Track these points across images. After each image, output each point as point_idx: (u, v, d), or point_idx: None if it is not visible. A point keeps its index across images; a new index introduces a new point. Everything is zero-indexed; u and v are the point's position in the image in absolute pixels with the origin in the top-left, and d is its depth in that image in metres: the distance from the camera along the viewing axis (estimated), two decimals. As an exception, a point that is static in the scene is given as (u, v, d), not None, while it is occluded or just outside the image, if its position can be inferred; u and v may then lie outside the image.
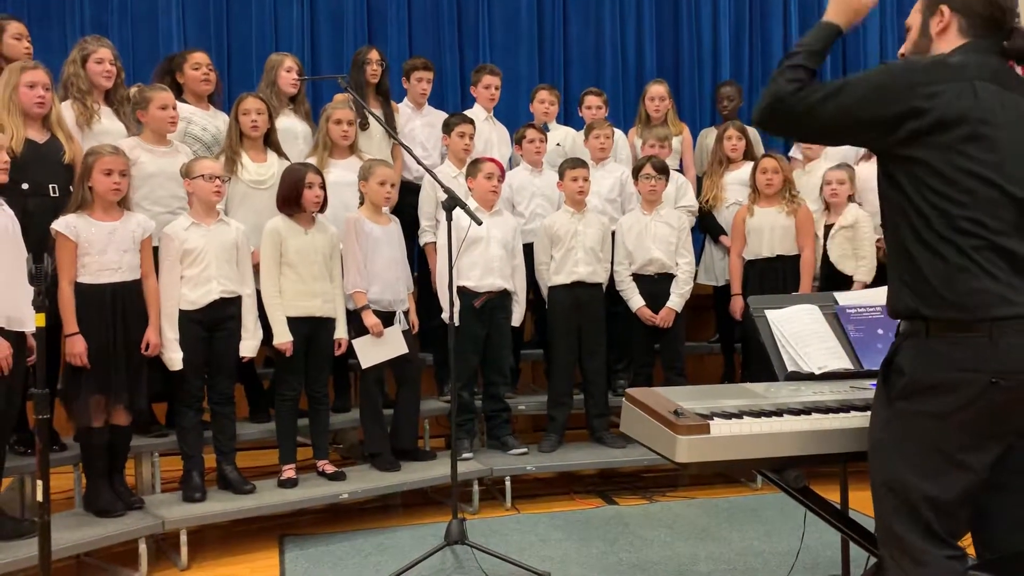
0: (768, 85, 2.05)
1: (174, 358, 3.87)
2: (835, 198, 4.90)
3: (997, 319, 1.89)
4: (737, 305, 5.05)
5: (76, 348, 3.59)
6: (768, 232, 4.95)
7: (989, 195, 1.92)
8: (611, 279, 4.99)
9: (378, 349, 4.33)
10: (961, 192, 1.92)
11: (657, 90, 5.66)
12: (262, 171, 4.44)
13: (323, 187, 4.20)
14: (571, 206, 4.87)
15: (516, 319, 4.80)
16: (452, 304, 3.72)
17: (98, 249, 3.66)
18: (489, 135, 5.39)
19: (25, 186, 3.75)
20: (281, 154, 4.55)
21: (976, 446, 1.94)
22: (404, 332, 4.40)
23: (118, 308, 3.71)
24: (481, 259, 4.60)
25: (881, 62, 2.06)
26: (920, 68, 1.99)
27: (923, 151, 1.94)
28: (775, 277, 4.92)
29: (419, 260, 5.16)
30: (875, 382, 2.40)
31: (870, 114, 1.96)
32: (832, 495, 2.79)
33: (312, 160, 4.56)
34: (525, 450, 4.74)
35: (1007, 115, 1.96)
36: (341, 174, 4.60)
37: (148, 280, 3.83)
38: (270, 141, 4.52)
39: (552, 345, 4.94)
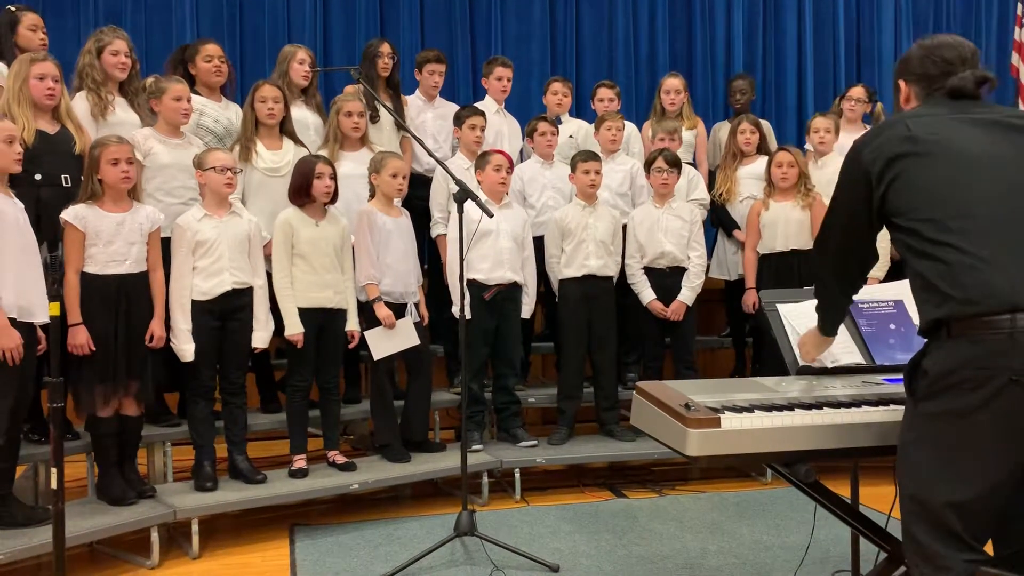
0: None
1: (186, 349, 3.88)
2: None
3: (1015, 309, 1.89)
4: (751, 299, 5.03)
5: (78, 339, 3.61)
6: (783, 226, 4.92)
7: (963, 194, 1.99)
8: (622, 272, 4.98)
9: (390, 341, 4.34)
10: (937, 202, 2.00)
11: (673, 83, 5.64)
12: (277, 159, 4.45)
13: (333, 178, 4.21)
14: (582, 199, 4.86)
15: (527, 311, 4.80)
16: (463, 297, 3.72)
17: (105, 240, 3.67)
18: (500, 127, 5.38)
19: (38, 177, 3.77)
20: (297, 141, 4.56)
21: (1001, 445, 1.93)
22: (415, 324, 4.41)
23: (123, 299, 3.72)
24: (491, 251, 4.60)
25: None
26: (864, 136, 2.19)
27: (892, 188, 2.07)
28: (790, 271, 4.89)
29: (430, 252, 5.16)
30: (887, 376, 2.39)
31: (856, 201, 2.16)
32: (843, 490, 2.78)
33: (323, 152, 4.56)
34: (535, 442, 4.74)
35: (949, 129, 2.07)
36: (352, 166, 4.61)
37: (155, 273, 3.84)
38: (285, 129, 4.53)
39: (562, 338, 4.93)
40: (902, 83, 2.27)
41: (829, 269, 2.36)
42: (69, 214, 3.63)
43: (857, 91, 5.72)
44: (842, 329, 2.71)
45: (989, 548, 2.12)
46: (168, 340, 3.87)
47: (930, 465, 1.99)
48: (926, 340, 2.06)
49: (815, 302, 2.47)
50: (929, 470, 1.99)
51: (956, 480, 1.95)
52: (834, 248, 2.30)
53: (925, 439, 2.00)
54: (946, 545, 1.97)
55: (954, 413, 1.94)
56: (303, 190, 4.15)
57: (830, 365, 2.60)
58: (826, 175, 5.17)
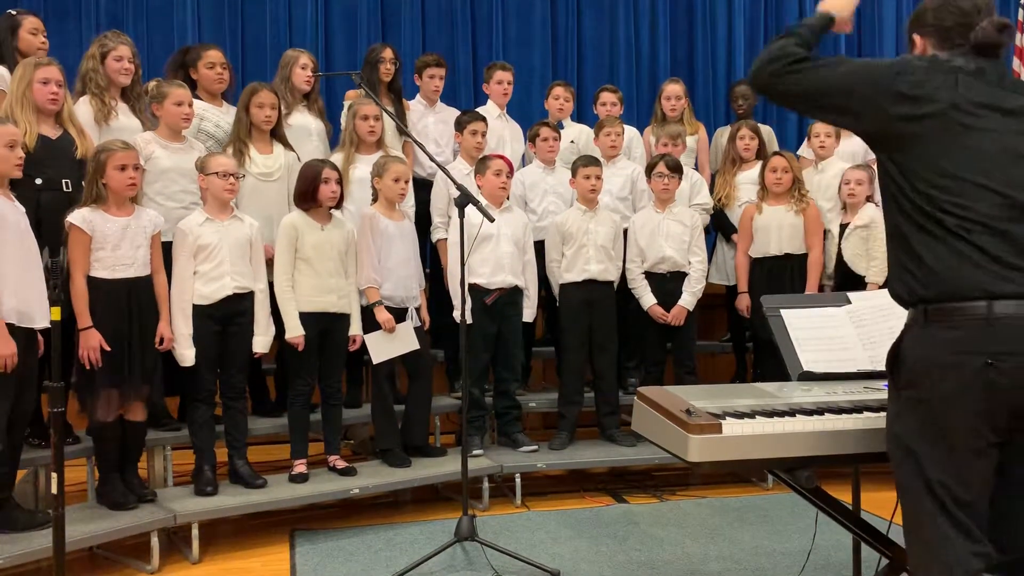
0: (769, 45, 2.19)
1: (186, 354, 3.88)
2: (852, 198, 4.87)
3: (993, 297, 1.91)
4: (743, 303, 5.04)
5: (91, 342, 3.60)
6: (776, 230, 4.93)
7: (972, 180, 1.97)
8: (623, 277, 4.98)
9: (390, 345, 4.34)
10: (945, 177, 1.98)
11: (673, 89, 5.65)
12: (269, 163, 4.46)
13: (339, 183, 4.22)
14: (583, 204, 4.86)
15: (528, 315, 4.80)
16: (464, 302, 3.72)
17: (113, 244, 3.67)
18: (502, 132, 5.38)
19: (39, 181, 3.77)
20: (287, 146, 4.55)
21: (982, 430, 1.94)
22: (416, 328, 4.41)
23: (133, 303, 3.73)
24: (492, 256, 4.60)
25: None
26: (906, 60, 2.11)
27: (908, 139, 2.02)
28: (782, 275, 4.91)
29: (431, 257, 5.16)
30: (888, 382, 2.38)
31: (861, 88, 2.06)
32: (844, 496, 2.78)
33: (339, 156, 4.57)
34: (535, 447, 4.74)
35: (988, 108, 2.01)
36: (368, 170, 4.59)
37: (158, 276, 3.84)
38: (276, 134, 4.53)
39: (563, 343, 4.93)
40: (916, 37, 2.21)
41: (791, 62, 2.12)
42: (76, 217, 3.62)
43: None
44: (844, 333, 2.71)
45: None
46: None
47: (919, 451, 1.99)
48: (905, 325, 2.07)
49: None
50: (920, 456, 1.99)
51: (945, 465, 1.96)
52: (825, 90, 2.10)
53: (911, 426, 2.01)
54: (950, 526, 1.95)
55: (935, 399, 1.96)
56: (309, 195, 4.16)
57: (830, 371, 2.60)
58: (826, 179, 5.19)
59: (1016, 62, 7.02)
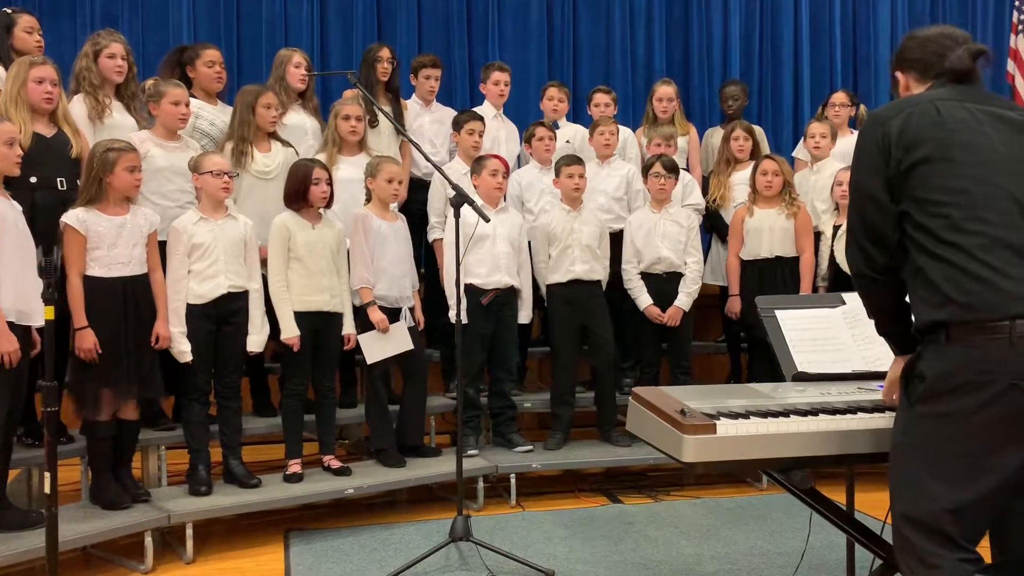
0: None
1: (183, 351, 3.88)
2: (845, 199, 4.88)
3: (1016, 317, 1.90)
4: (735, 305, 5.04)
5: (86, 342, 3.59)
6: (767, 233, 4.93)
7: (983, 190, 1.98)
8: (618, 277, 4.98)
9: (383, 345, 4.34)
10: (955, 193, 1.98)
11: (665, 91, 5.65)
12: (268, 161, 4.46)
13: (329, 183, 4.22)
14: (567, 204, 4.85)
15: (524, 316, 4.80)
16: (459, 302, 3.72)
17: (108, 243, 3.67)
18: (497, 132, 5.38)
19: (33, 179, 3.76)
20: (284, 143, 4.56)
21: (997, 449, 1.94)
22: (410, 329, 4.41)
23: (129, 302, 3.72)
24: (488, 256, 4.60)
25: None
26: (882, 108, 2.15)
27: (911, 173, 2.03)
28: (774, 278, 4.91)
29: (427, 257, 5.16)
30: (882, 383, 2.39)
31: (875, 174, 2.09)
32: (838, 496, 2.79)
33: (322, 156, 4.56)
34: (530, 447, 4.74)
35: (978, 123, 2.04)
36: (350, 170, 4.60)
37: (155, 274, 3.84)
38: (272, 132, 4.53)
39: (554, 343, 4.93)
40: (899, 74, 2.27)
41: (862, 261, 2.16)
42: (70, 217, 3.62)
43: (839, 96, 5.72)
44: (838, 334, 2.72)
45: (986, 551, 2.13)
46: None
47: (926, 466, 1.99)
48: (921, 344, 2.06)
49: (873, 324, 2.27)
50: (925, 471, 1.99)
51: (953, 482, 1.96)
52: (860, 232, 2.13)
53: (921, 440, 2.01)
54: (938, 545, 1.97)
55: (952, 416, 1.95)
56: (299, 195, 4.15)
57: (823, 372, 2.61)
58: (822, 180, 5.20)
59: (1010, 64, 7.04)
